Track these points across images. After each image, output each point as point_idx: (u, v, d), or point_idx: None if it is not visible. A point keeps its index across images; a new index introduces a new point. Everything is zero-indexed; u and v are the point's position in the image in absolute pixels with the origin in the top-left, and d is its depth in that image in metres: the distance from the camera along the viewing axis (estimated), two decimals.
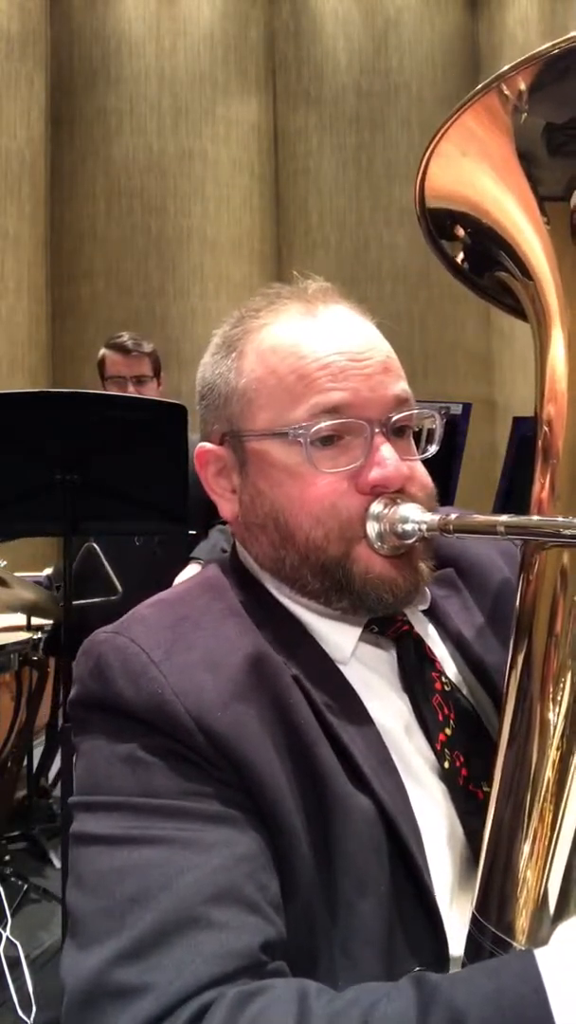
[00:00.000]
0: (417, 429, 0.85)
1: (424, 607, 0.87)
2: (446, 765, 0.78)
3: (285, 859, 0.68)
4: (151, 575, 2.63)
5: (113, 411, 2.04)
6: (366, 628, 0.82)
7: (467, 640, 0.87)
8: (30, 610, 2.79)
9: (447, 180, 0.79)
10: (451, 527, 0.72)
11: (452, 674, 0.85)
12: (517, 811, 0.65)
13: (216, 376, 0.85)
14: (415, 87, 7.68)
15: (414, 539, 0.75)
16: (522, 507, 0.74)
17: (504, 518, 0.68)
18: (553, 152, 0.72)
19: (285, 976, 0.63)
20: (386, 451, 0.77)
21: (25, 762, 3.04)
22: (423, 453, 0.84)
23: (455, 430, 2.37)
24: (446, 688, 0.82)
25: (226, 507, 0.86)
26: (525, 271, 0.76)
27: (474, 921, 0.66)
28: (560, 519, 0.66)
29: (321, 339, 0.78)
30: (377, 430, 0.77)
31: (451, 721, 0.80)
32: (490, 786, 0.72)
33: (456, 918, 0.73)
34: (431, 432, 0.85)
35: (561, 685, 0.66)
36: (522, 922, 0.62)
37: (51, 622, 2.88)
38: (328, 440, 0.77)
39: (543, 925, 0.61)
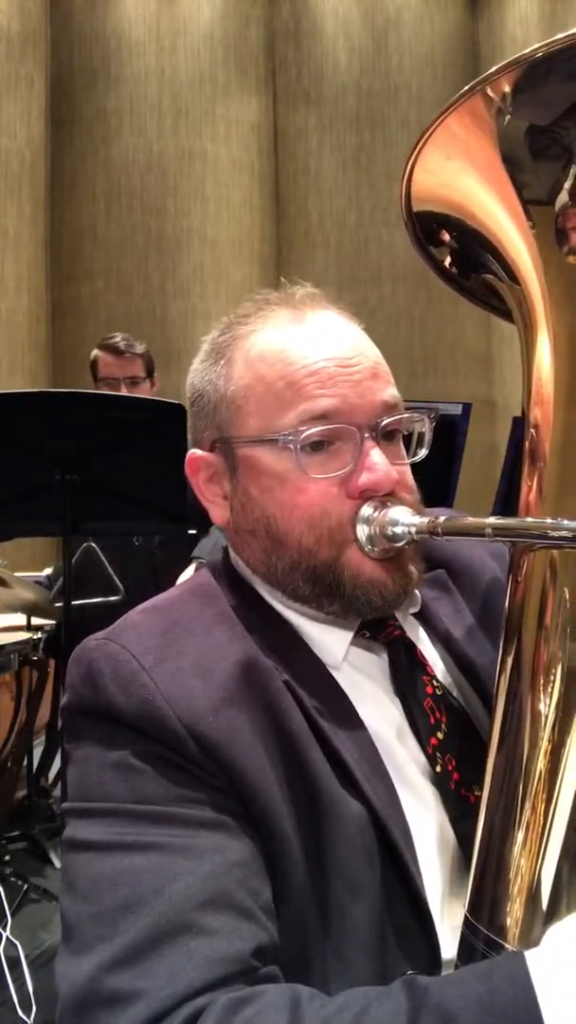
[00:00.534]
0: (407, 433, 0.85)
1: (415, 610, 0.87)
2: (438, 769, 0.78)
3: (277, 864, 0.69)
4: (151, 575, 2.64)
5: (113, 411, 2.04)
6: (358, 633, 0.82)
7: (458, 642, 0.87)
8: (30, 610, 2.79)
9: (432, 184, 0.79)
10: (440, 529, 0.73)
11: (443, 677, 0.85)
12: (508, 813, 0.66)
13: (206, 383, 0.85)
14: (415, 87, 7.68)
15: (404, 542, 0.76)
16: (519, 506, 0.75)
17: (492, 520, 0.68)
18: (537, 155, 0.72)
19: (277, 981, 0.63)
20: (376, 456, 0.77)
21: (25, 762, 3.04)
22: (413, 457, 0.84)
23: (455, 430, 2.37)
24: (437, 692, 0.82)
25: (218, 513, 0.86)
26: (511, 275, 0.76)
27: (466, 923, 0.67)
28: (548, 520, 0.67)
29: (309, 345, 0.79)
30: (367, 435, 0.78)
31: (443, 725, 0.80)
32: (481, 789, 0.72)
33: (448, 922, 0.73)
34: (421, 436, 0.85)
35: (552, 676, 0.66)
36: (513, 924, 0.63)
37: (51, 622, 2.88)
38: (318, 446, 0.77)
39: (534, 926, 0.62)
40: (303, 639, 0.81)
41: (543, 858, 0.63)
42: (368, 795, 0.72)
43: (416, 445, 0.85)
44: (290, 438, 0.76)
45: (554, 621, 0.68)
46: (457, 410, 2.40)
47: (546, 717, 0.66)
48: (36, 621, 2.88)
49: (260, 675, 0.74)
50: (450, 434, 2.36)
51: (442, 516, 0.74)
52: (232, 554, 0.88)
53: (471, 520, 0.71)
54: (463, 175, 0.76)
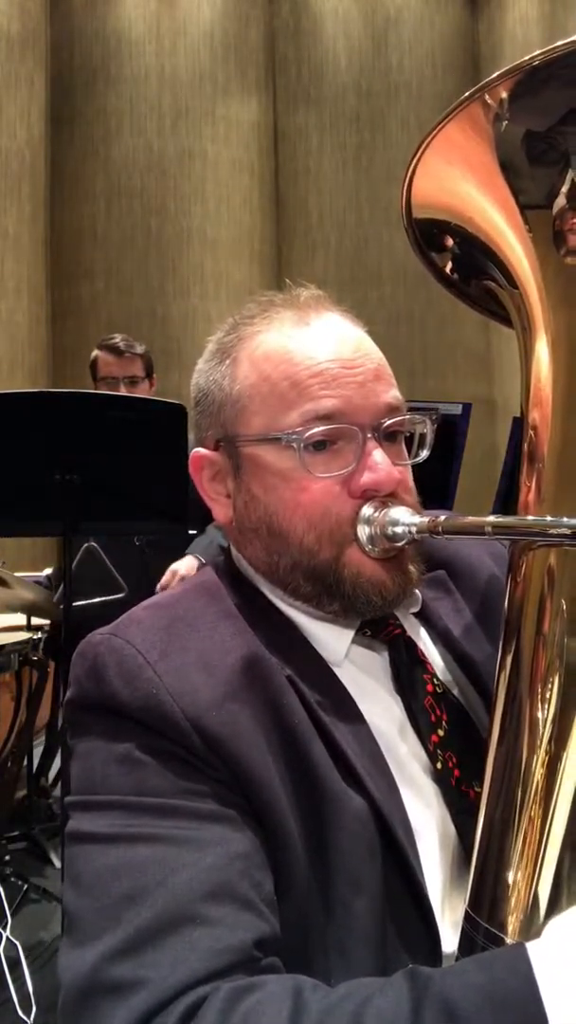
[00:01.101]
0: (408, 434, 0.85)
1: (415, 610, 0.88)
2: (439, 766, 0.79)
3: (279, 858, 0.69)
4: (147, 575, 2.65)
5: (113, 411, 2.04)
6: (359, 631, 0.83)
7: (457, 641, 0.88)
8: (30, 610, 2.80)
9: (432, 190, 0.81)
10: (440, 528, 0.73)
11: (443, 675, 0.86)
12: (508, 808, 0.66)
13: (210, 382, 0.86)
14: (415, 87, 7.68)
15: (404, 541, 0.77)
16: (518, 506, 0.75)
17: (492, 519, 0.69)
18: (535, 161, 0.73)
19: (279, 972, 0.64)
20: (378, 456, 0.78)
21: (25, 762, 3.04)
22: (415, 458, 0.85)
23: (455, 430, 2.37)
24: (438, 690, 0.83)
25: (220, 511, 0.87)
26: (510, 279, 0.78)
27: (467, 917, 0.67)
28: (547, 519, 0.67)
29: (314, 347, 0.80)
30: (369, 435, 0.79)
31: (443, 722, 0.81)
32: (481, 786, 0.72)
33: (449, 916, 0.74)
34: (423, 437, 0.86)
35: (549, 684, 0.67)
36: (514, 917, 0.63)
37: (51, 622, 2.89)
38: (321, 445, 0.78)
39: (534, 920, 0.62)
40: (305, 637, 0.81)
41: (543, 852, 0.63)
42: (370, 790, 0.72)
43: (417, 446, 0.86)
44: (294, 437, 0.77)
45: (554, 620, 0.69)
46: (457, 410, 2.40)
47: (546, 714, 0.66)
48: (36, 621, 2.89)
49: (263, 670, 0.75)
50: (450, 434, 2.37)
51: (442, 516, 0.74)
52: (234, 552, 0.88)
53: (471, 519, 0.72)
54: (462, 181, 0.77)
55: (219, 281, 7.24)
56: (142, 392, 2.71)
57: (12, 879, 2.64)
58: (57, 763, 3.25)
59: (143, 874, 0.64)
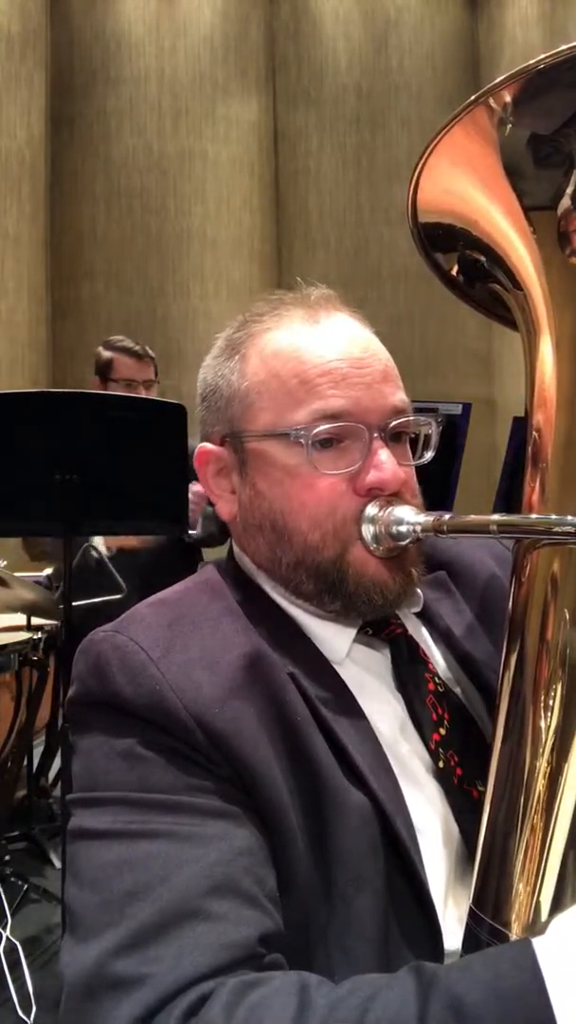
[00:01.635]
0: (413, 436, 0.86)
1: (417, 609, 0.88)
2: (440, 765, 0.79)
3: (282, 854, 0.69)
4: (145, 575, 2.66)
5: (113, 411, 2.04)
6: (360, 630, 0.83)
7: (459, 640, 0.88)
8: (30, 610, 2.79)
9: (438, 193, 0.81)
10: (445, 527, 0.74)
11: (445, 675, 0.86)
12: (512, 806, 0.67)
13: (218, 378, 0.86)
14: (415, 87, 7.68)
15: (408, 540, 0.77)
16: (522, 508, 0.75)
17: (496, 517, 0.70)
18: (540, 163, 0.74)
19: (283, 968, 0.64)
20: (383, 455, 0.78)
21: (25, 762, 3.04)
22: (419, 459, 0.86)
23: (455, 430, 2.37)
24: (439, 689, 0.83)
25: (224, 507, 0.87)
26: (515, 281, 0.78)
27: (471, 914, 0.68)
28: (552, 517, 0.68)
29: (323, 345, 0.80)
30: (375, 435, 0.79)
31: (445, 721, 0.81)
32: (484, 785, 0.73)
33: (451, 914, 0.74)
34: (427, 439, 0.86)
35: (552, 692, 0.67)
36: (518, 914, 0.64)
37: (51, 622, 2.88)
38: (327, 443, 0.79)
39: (539, 917, 0.63)
40: (306, 634, 0.81)
41: (548, 849, 0.64)
42: (372, 787, 0.73)
43: (422, 448, 0.87)
44: (302, 433, 0.78)
45: (558, 619, 0.69)
46: (457, 410, 2.40)
47: (550, 712, 0.66)
48: (36, 621, 2.89)
49: (266, 667, 0.75)
50: (450, 434, 2.36)
51: (446, 515, 0.74)
52: (236, 550, 0.89)
53: (475, 518, 0.72)
54: (467, 184, 0.78)
55: (219, 281, 7.24)
56: (154, 394, 2.80)
57: (12, 879, 2.64)
58: (57, 763, 3.25)
59: (146, 870, 0.64)
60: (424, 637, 0.89)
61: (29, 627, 2.87)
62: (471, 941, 0.67)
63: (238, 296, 7.10)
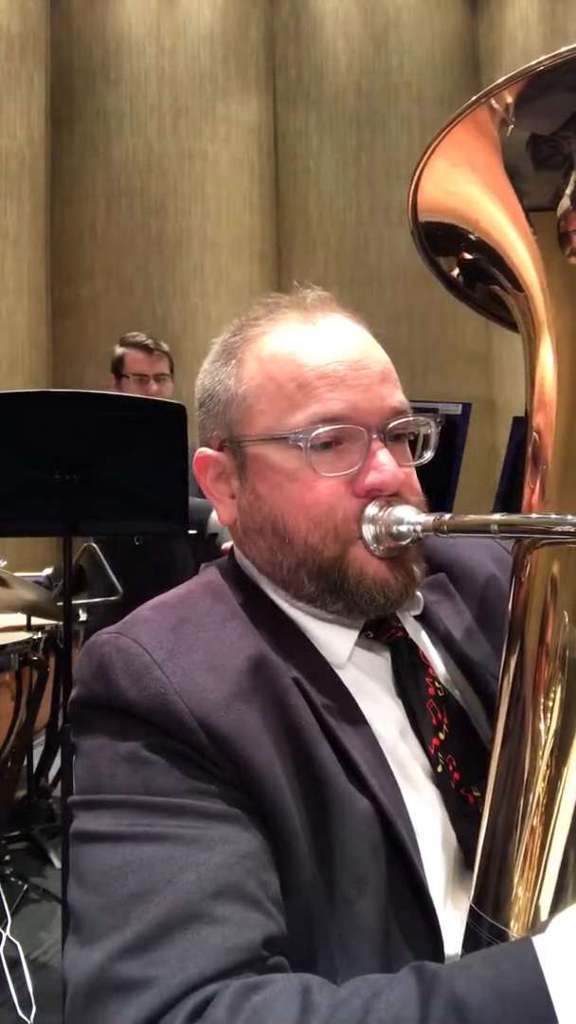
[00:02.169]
0: (413, 436, 0.86)
1: (417, 612, 0.88)
2: (439, 769, 0.79)
3: (285, 857, 0.69)
4: (146, 575, 2.66)
5: (113, 411, 2.04)
6: (361, 633, 0.83)
7: (459, 644, 0.88)
8: (30, 610, 2.80)
9: (438, 193, 0.81)
10: (445, 527, 0.73)
11: (445, 678, 0.86)
12: (512, 808, 0.67)
13: (216, 383, 0.86)
14: (415, 87, 7.69)
15: (409, 540, 0.77)
16: (521, 508, 0.75)
17: (497, 517, 0.69)
18: (540, 164, 0.73)
19: (286, 971, 0.64)
20: (383, 456, 0.78)
21: (25, 762, 3.04)
22: (419, 459, 0.85)
23: (455, 430, 2.37)
24: (439, 693, 0.83)
25: (224, 512, 0.87)
26: (515, 282, 0.78)
27: (472, 914, 0.67)
28: (552, 516, 0.68)
29: (320, 348, 0.80)
30: (375, 436, 0.79)
31: (444, 726, 0.81)
32: (480, 790, 0.73)
33: (450, 916, 0.74)
34: (426, 439, 0.86)
35: (552, 693, 0.67)
36: (519, 913, 0.64)
37: (51, 622, 2.89)
38: (326, 445, 0.78)
39: (539, 915, 0.62)
40: (308, 638, 0.81)
41: (548, 848, 0.64)
42: (375, 791, 0.72)
43: (422, 448, 0.86)
44: (301, 436, 0.77)
45: (558, 620, 0.69)
46: (457, 410, 2.39)
47: (550, 714, 0.66)
48: (36, 621, 2.89)
49: (270, 671, 0.75)
50: (450, 434, 2.36)
51: (447, 515, 0.74)
52: (238, 553, 0.88)
53: (476, 517, 0.72)
54: (468, 184, 0.78)
55: (219, 281, 7.24)
56: (168, 389, 2.79)
57: (12, 879, 2.64)
58: (57, 763, 3.25)
59: (151, 873, 0.64)
60: (424, 640, 0.88)
61: (29, 627, 2.87)
62: (471, 940, 0.67)
63: (238, 296, 7.10)
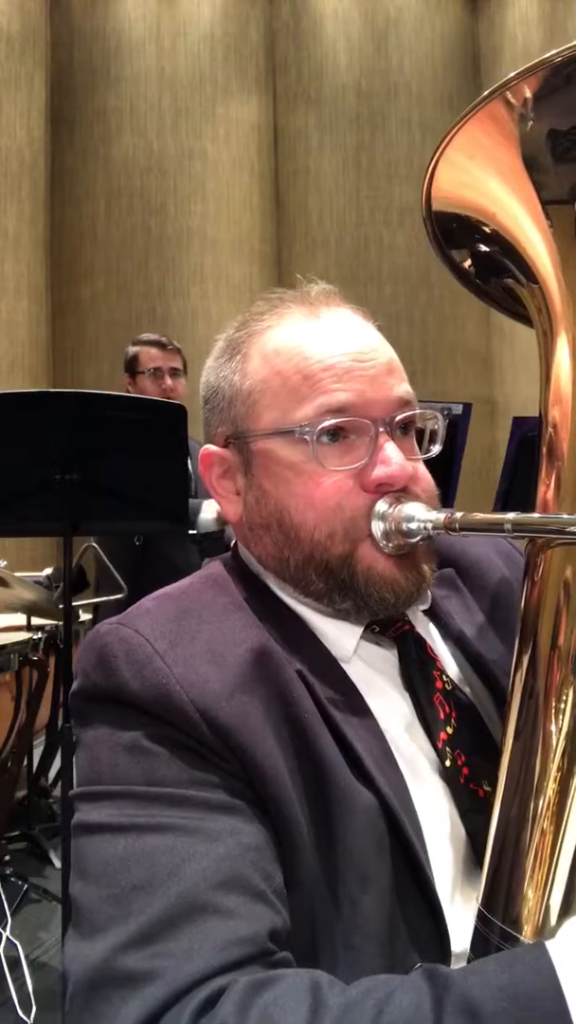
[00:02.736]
0: (420, 429, 0.85)
1: (424, 607, 0.87)
2: (447, 763, 0.78)
3: (288, 850, 0.68)
4: (146, 575, 2.66)
5: (113, 411, 2.04)
6: (367, 628, 0.82)
7: (468, 639, 0.87)
8: (30, 610, 2.80)
9: (454, 185, 0.80)
10: (457, 525, 0.72)
11: (453, 673, 0.86)
12: (523, 808, 0.66)
13: (220, 379, 0.85)
14: (415, 87, 7.68)
15: (419, 537, 0.76)
16: (522, 508, 0.74)
17: (511, 515, 0.68)
18: (557, 157, 0.73)
19: (291, 966, 0.63)
20: (390, 449, 0.77)
21: (25, 762, 3.04)
22: (426, 453, 0.85)
23: (455, 430, 2.37)
24: (447, 687, 0.82)
25: (230, 509, 0.86)
26: (530, 275, 0.77)
27: (480, 917, 0.67)
28: (565, 516, 0.67)
29: (325, 341, 0.79)
30: (381, 429, 0.78)
31: (452, 720, 0.80)
32: (491, 785, 0.72)
33: (457, 914, 0.73)
34: (433, 432, 0.85)
35: (564, 696, 0.66)
36: (529, 917, 0.63)
37: (51, 622, 2.88)
38: (333, 438, 0.78)
39: (550, 920, 0.62)
40: (314, 632, 0.81)
41: (559, 851, 0.63)
42: (379, 785, 0.72)
43: (429, 441, 0.86)
44: (307, 429, 0.77)
45: (571, 621, 0.68)
46: (457, 410, 2.40)
47: (563, 714, 0.66)
48: (36, 621, 2.89)
49: (273, 663, 0.74)
50: (450, 434, 2.36)
51: (458, 513, 0.73)
52: (242, 550, 0.88)
53: (488, 516, 0.71)
54: (483, 176, 0.77)
55: (219, 281, 7.24)
56: (181, 386, 2.89)
57: (12, 879, 2.63)
58: (57, 763, 3.25)
59: (154, 863, 0.63)
60: (432, 635, 0.87)
61: (29, 627, 2.87)
62: (480, 943, 0.66)
63: (238, 296, 7.10)
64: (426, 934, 0.71)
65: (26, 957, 2.25)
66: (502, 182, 0.76)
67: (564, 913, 0.61)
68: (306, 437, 0.77)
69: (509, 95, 0.71)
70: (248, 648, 0.74)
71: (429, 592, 0.87)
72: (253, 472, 0.82)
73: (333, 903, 0.70)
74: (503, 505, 2.52)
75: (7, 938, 2.29)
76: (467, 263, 0.88)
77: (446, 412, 0.85)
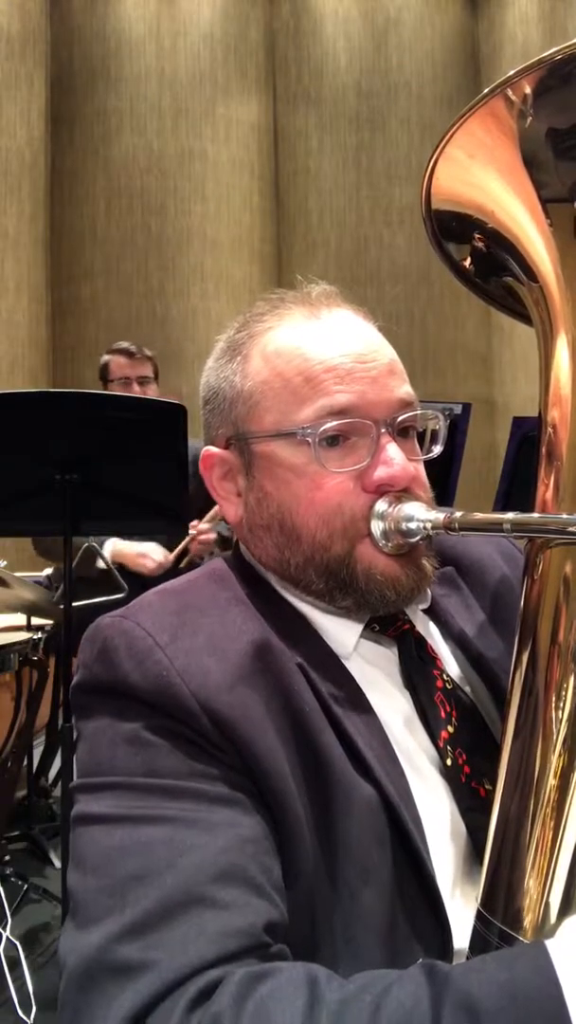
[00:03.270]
0: (421, 430, 0.85)
1: (424, 606, 0.88)
2: (448, 762, 0.78)
3: (288, 844, 0.68)
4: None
5: (113, 411, 2.04)
6: (367, 626, 0.82)
7: (468, 638, 0.87)
8: (30, 610, 2.79)
9: (454, 183, 0.80)
10: (456, 525, 0.72)
11: (454, 672, 0.86)
12: (523, 806, 0.66)
13: (221, 380, 0.85)
14: (415, 87, 7.68)
15: (419, 537, 0.76)
16: (522, 508, 0.75)
17: (510, 515, 0.68)
18: (558, 155, 0.73)
19: (288, 959, 0.63)
20: (392, 450, 0.77)
21: (25, 762, 3.04)
22: (427, 454, 0.85)
23: (455, 430, 2.37)
24: (448, 686, 0.82)
25: (231, 510, 0.86)
26: (530, 273, 0.77)
27: (479, 916, 0.67)
28: (565, 516, 0.67)
29: (326, 342, 0.79)
30: (383, 430, 0.78)
31: (453, 719, 0.81)
32: (492, 783, 0.72)
33: (458, 910, 0.73)
34: (435, 433, 0.86)
35: (564, 694, 0.67)
36: (528, 916, 0.63)
37: (51, 622, 2.88)
38: (334, 440, 0.78)
39: (549, 919, 0.62)
40: (314, 628, 0.81)
41: (559, 851, 0.63)
42: (380, 779, 0.72)
43: (430, 442, 0.86)
44: (308, 431, 0.77)
45: (570, 619, 0.68)
46: (457, 410, 2.40)
47: (562, 712, 0.66)
48: (36, 621, 2.88)
49: (274, 656, 0.74)
50: (450, 434, 2.36)
51: (457, 512, 0.74)
52: (244, 551, 0.88)
53: (488, 516, 0.71)
54: (484, 174, 0.77)
55: (219, 281, 7.24)
56: (151, 392, 2.89)
57: (12, 879, 2.63)
58: (57, 763, 3.25)
59: (151, 854, 0.63)
60: (432, 634, 0.88)
61: (29, 627, 2.87)
62: (479, 943, 0.66)
63: (238, 296, 7.10)
64: (427, 928, 0.71)
65: (26, 957, 2.25)
66: (502, 180, 0.76)
67: (564, 911, 0.62)
68: (308, 439, 0.77)
69: (509, 93, 0.71)
70: (249, 641, 0.74)
71: (429, 591, 0.87)
72: (254, 474, 0.82)
73: (333, 896, 0.69)
74: (503, 505, 2.53)
75: (7, 938, 2.29)
76: (467, 261, 0.88)
77: (446, 412, 0.86)
